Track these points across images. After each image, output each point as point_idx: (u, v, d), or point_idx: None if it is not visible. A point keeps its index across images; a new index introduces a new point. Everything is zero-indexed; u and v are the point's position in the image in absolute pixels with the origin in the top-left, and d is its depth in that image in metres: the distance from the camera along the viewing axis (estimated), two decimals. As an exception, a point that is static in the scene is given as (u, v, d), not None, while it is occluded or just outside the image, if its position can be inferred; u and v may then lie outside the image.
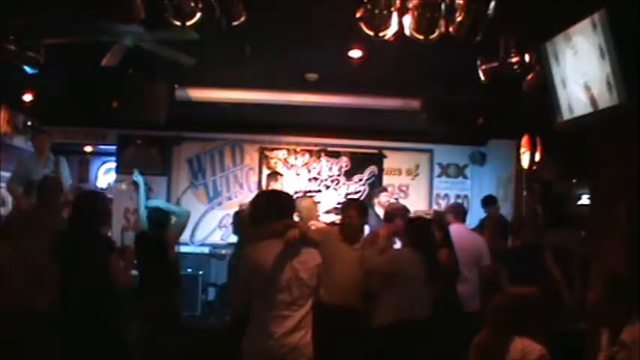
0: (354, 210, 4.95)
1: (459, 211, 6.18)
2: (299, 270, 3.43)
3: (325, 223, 6.50)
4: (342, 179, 8.91)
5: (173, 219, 5.60)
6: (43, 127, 7.66)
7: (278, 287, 3.38)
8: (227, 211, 8.53)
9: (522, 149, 7.49)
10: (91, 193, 5.05)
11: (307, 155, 8.90)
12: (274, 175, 7.69)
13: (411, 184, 8.98)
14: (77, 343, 3.96)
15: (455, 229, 5.71)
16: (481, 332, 3.22)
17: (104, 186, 10.01)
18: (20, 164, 6.82)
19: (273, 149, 8.88)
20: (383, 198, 7.11)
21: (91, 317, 4.07)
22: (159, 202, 6.40)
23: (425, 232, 4.91)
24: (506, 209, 7.85)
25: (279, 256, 3.42)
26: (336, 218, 8.42)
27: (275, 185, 7.22)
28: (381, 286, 4.68)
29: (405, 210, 5.33)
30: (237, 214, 6.32)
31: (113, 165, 9.11)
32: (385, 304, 4.62)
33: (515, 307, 3.13)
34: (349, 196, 8.64)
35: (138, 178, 6.30)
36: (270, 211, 3.56)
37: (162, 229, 5.45)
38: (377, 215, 6.67)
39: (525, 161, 7.41)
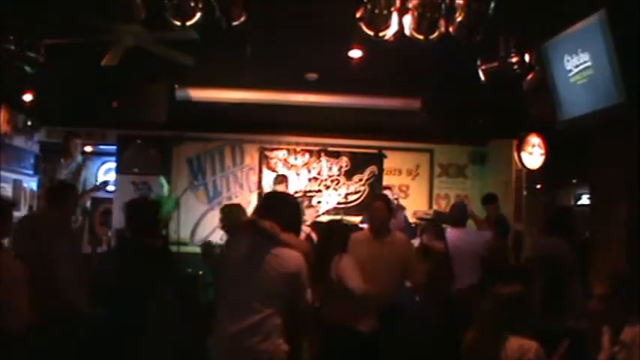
0: (380, 202, 4.85)
1: (453, 216, 6.11)
2: (254, 270, 3.13)
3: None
4: (342, 179, 8.90)
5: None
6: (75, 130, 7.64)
7: (225, 282, 3.28)
8: (227, 211, 8.52)
9: (524, 149, 7.48)
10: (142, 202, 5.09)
11: (307, 155, 8.90)
12: (278, 178, 7.61)
13: (411, 184, 8.97)
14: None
15: (451, 234, 5.71)
16: (470, 332, 3.22)
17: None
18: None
19: (273, 149, 8.88)
20: None
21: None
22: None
23: None
24: (506, 209, 7.84)
25: (228, 250, 3.39)
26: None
27: (279, 188, 7.16)
28: None
29: None
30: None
31: (113, 165, 9.11)
32: None
33: (505, 306, 3.14)
34: (349, 196, 8.68)
35: (163, 184, 6.64)
36: (262, 211, 3.42)
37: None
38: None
39: (525, 161, 7.40)
